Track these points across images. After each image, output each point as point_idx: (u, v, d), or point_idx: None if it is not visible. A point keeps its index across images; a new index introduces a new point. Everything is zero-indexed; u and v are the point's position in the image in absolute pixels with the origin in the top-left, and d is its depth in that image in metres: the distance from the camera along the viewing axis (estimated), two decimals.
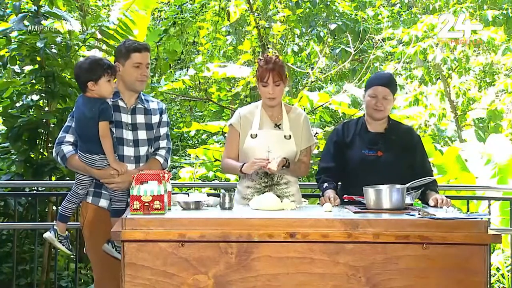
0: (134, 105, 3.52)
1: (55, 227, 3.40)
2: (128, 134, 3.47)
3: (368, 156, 3.55)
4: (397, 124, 3.75)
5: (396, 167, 3.49)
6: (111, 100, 3.43)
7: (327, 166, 3.65)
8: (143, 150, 3.51)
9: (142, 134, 3.51)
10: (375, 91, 3.57)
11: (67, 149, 3.40)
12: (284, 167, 3.45)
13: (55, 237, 3.37)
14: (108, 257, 3.29)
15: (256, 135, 3.56)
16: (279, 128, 3.60)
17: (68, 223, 3.46)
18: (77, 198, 3.42)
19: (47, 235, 3.38)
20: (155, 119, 3.57)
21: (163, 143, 3.59)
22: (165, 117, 3.62)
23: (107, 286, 3.38)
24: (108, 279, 3.35)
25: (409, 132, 3.74)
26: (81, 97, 3.38)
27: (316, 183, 3.74)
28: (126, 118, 3.48)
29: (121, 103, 3.49)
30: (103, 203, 3.46)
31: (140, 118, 3.52)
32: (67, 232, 3.45)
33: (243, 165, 3.46)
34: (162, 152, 3.57)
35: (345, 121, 3.85)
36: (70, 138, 3.42)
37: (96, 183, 3.43)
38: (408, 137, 3.67)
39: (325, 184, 3.57)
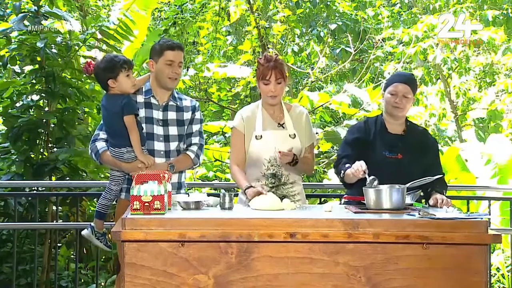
0: (166, 102, 3.59)
1: (92, 224, 3.49)
2: (158, 130, 3.54)
3: (388, 158, 3.48)
4: (414, 126, 3.70)
5: (414, 169, 3.45)
6: (144, 97, 3.53)
7: (347, 154, 3.52)
8: (173, 145, 3.57)
9: (173, 130, 3.57)
10: (395, 88, 3.50)
11: (100, 145, 3.50)
12: (291, 164, 3.43)
13: (93, 234, 3.46)
14: None
15: (261, 136, 3.54)
16: (283, 128, 3.58)
17: (68, 223, 3.47)
18: (112, 195, 3.50)
19: (85, 232, 3.48)
20: (186, 115, 3.63)
21: (195, 140, 3.65)
22: (198, 115, 3.68)
23: None
24: None
25: (425, 134, 3.70)
26: (104, 96, 3.51)
27: (316, 183, 3.71)
28: (157, 114, 3.56)
29: (153, 100, 3.57)
30: None
31: (172, 115, 3.59)
32: (104, 229, 3.54)
33: (249, 187, 3.39)
34: (194, 148, 3.63)
35: (364, 119, 3.78)
36: (103, 135, 3.52)
37: (128, 179, 3.49)
38: (424, 139, 3.63)
39: (347, 165, 3.41)
